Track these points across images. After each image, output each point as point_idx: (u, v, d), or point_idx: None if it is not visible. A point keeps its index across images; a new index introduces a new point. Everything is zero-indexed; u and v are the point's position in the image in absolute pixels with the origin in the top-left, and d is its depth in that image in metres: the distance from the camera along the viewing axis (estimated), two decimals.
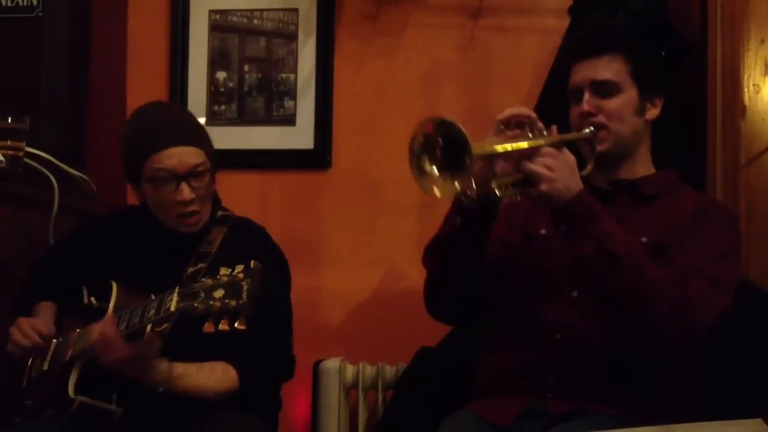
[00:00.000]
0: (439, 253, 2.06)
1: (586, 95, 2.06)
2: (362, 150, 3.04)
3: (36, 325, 2.14)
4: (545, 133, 1.92)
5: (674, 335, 1.85)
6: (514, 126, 1.93)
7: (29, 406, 2.16)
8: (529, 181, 1.87)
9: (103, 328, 1.95)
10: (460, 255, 2.01)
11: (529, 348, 2.00)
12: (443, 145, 1.78)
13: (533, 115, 1.94)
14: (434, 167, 1.79)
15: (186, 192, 2.13)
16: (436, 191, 1.79)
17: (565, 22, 2.76)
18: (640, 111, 2.08)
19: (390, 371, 2.81)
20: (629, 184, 2.08)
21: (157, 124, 2.18)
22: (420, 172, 1.80)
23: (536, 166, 1.86)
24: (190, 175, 2.13)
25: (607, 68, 2.06)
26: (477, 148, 1.76)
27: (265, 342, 2.11)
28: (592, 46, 2.09)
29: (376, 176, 3.03)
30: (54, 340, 2.15)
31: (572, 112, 2.10)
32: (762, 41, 2.44)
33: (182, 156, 2.13)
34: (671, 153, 2.23)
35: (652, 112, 2.10)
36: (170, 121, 2.20)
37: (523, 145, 1.88)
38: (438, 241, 2.06)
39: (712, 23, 2.48)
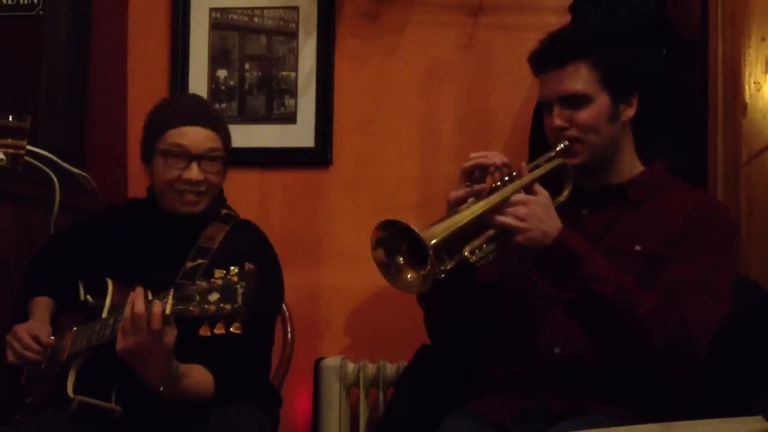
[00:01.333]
0: (427, 300, 2.04)
1: (556, 108, 1.98)
2: (363, 148, 3.04)
3: (33, 332, 2.13)
4: (514, 174, 1.85)
5: (674, 364, 1.84)
6: (479, 175, 1.86)
7: (29, 403, 2.16)
8: (504, 234, 1.80)
9: (134, 299, 1.88)
10: (448, 303, 2.01)
11: (528, 361, 1.98)
12: (405, 243, 1.74)
13: (498, 161, 1.87)
14: (404, 263, 1.76)
15: (195, 172, 2.13)
16: (414, 288, 1.77)
17: (565, 20, 2.74)
18: (614, 117, 2.00)
19: (391, 369, 2.82)
20: (617, 187, 2.03)
21: (180, 104, 2.28)
22: (395, 275, 1.77)
23: (507, 219, 1.79)
24: (203, 157, 2.14)
25: (573, 79, 1.96)
26: (431, 235, 1.70)
27: (247, 350, 2.08)
28: (554, 56, 1.99)
29: (377, 174, 3.03)
30: (52, 337, 2.15)
31: (545, 123, 2.03)
32: (763, 39, 2.44)
33: (199, 137, 2.15)
34: (669, 152, 2.22)
35: (628, 113, 2.02)
36: (194, 104, 2.28)
37: (482, 205, 1.79)
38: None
39: (713, 21, 2.48)
